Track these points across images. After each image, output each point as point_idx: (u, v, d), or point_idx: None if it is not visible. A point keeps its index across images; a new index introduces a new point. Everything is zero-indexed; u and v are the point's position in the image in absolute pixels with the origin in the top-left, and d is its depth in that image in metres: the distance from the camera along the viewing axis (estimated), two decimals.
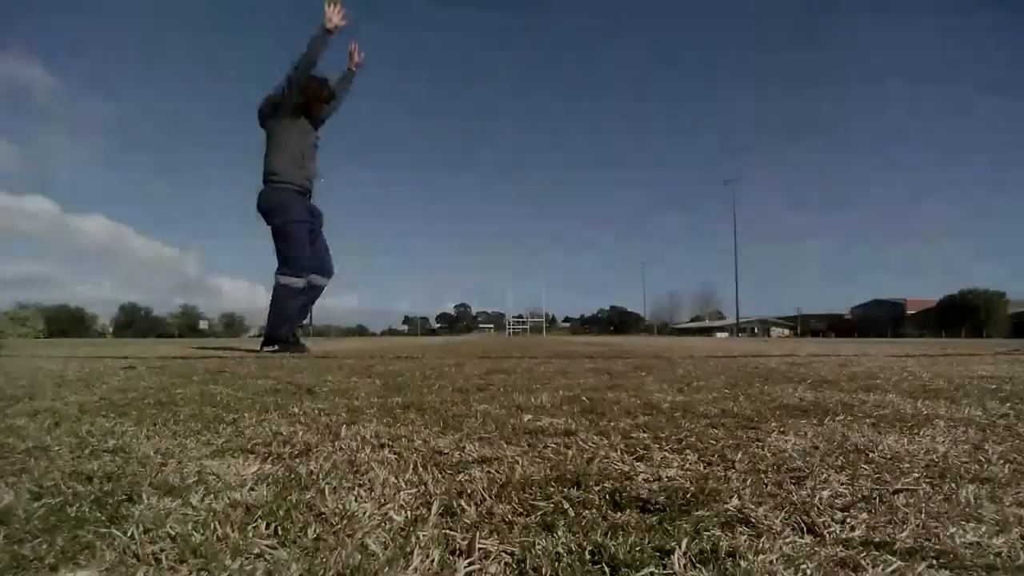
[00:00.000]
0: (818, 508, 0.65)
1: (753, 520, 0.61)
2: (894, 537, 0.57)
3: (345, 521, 0.61)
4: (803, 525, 0.61)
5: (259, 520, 0.60)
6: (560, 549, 0.54)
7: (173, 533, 0.57)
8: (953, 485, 0.74)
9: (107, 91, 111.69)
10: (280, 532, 0.58)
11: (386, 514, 0.63)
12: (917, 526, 0.60)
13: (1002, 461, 0.87)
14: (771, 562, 0.51)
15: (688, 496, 0.69)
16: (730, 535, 0.57)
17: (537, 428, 1.12)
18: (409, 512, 0.64)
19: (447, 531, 0.59)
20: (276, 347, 4.50)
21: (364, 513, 0.63)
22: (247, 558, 0.53)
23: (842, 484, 0.75)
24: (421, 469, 0.82)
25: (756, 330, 60.86)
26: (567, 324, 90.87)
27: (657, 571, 0.51)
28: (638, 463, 0.86)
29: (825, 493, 0.71)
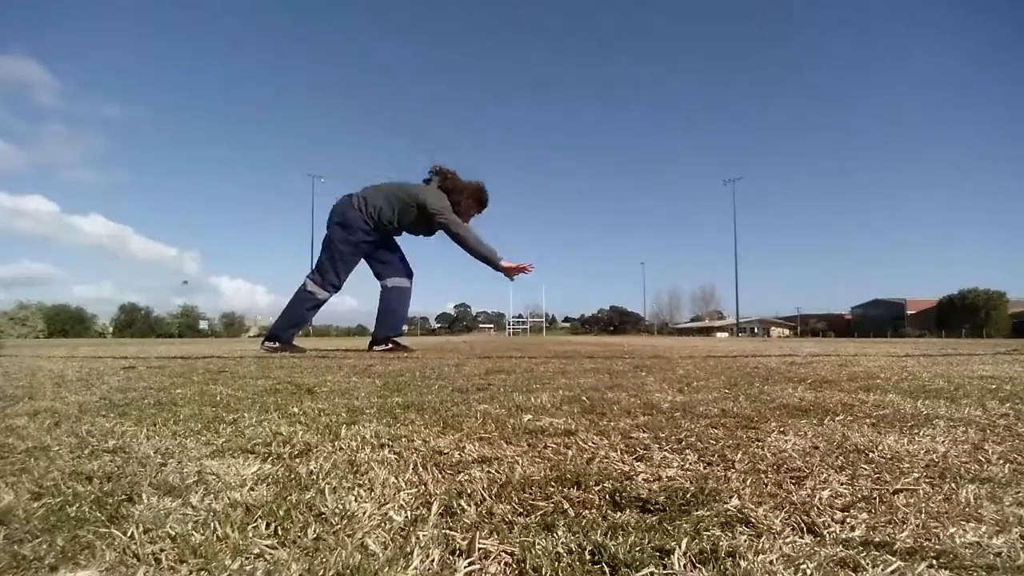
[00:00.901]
0: (818, 508, 0.65)
1: (753, 520, 0.61)
2: (894, 537, 0.57)
3: (345, 521, 0.61)
4: (803, 525, 0.61)
5: (259, 520, 0.60)
6: (560, 549, 0.54)
7: (173, 533, 0.57)
8: (953, 485, 0.74)
9: (107, 91, 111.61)
10: (280, 532, 0.58)
11: (386, 514, 0.63)
12: (917, 526, 0.60)
13: (1002, 461, 0.87)
14: (771, 562, 0.51)
15: (688, 496, 0.69)
16: (730, 535, 0.57)
17: (537, 428, 1.12)
18: (409, 512, 0.64)
19: (447, 531, 0.59)
20: (276, 345, 4.56)
21: (364, 513, 0.63)
22: (247, 558, 0.53)
23: (842, 484, 0.75)
24: (421, 469, 0.82)
25: (756, 330, 60.87)
26: (567, 324, 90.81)
27: (657, 571, 0.51)
28: (638, 463, 0.86)
29: (825, 493, 0.71)
